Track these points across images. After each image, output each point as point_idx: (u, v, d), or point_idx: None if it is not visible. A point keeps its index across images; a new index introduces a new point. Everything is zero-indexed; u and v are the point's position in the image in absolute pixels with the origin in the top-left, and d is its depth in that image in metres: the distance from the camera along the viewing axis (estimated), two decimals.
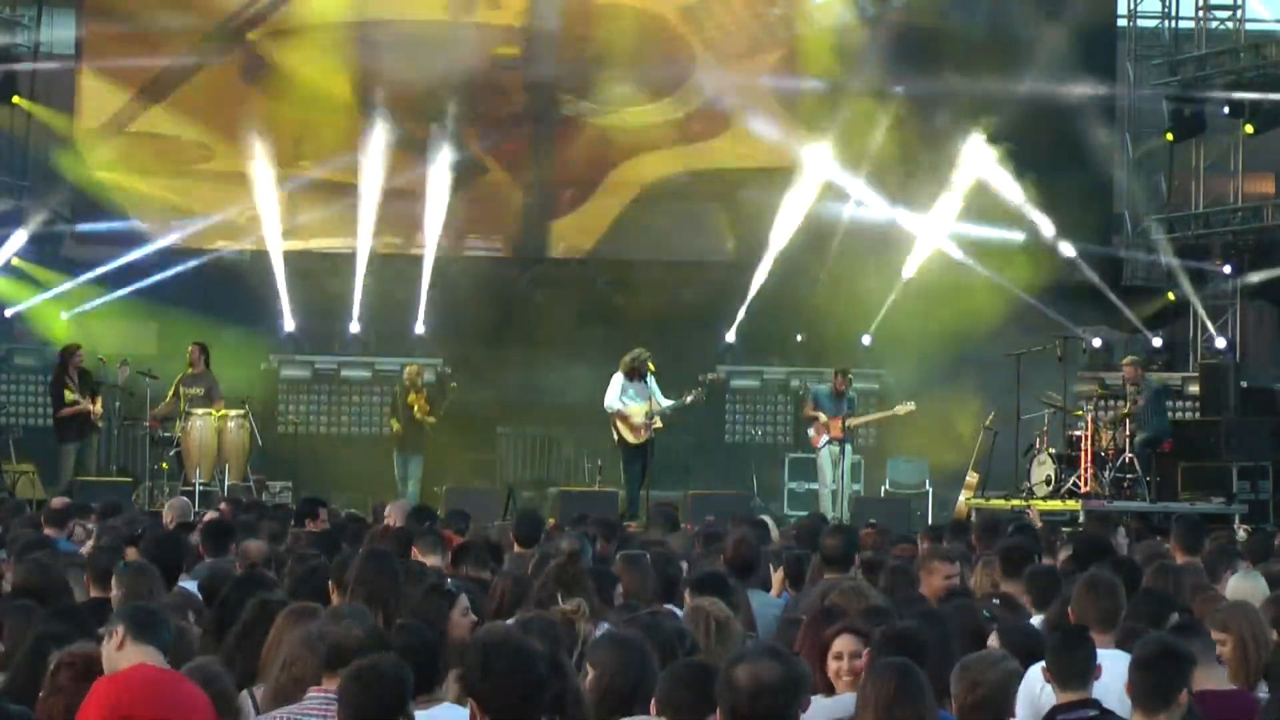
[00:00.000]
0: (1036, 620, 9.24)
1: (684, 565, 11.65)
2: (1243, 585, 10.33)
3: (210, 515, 16.03)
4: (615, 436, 23.34)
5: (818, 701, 7.34)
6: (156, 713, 7.01)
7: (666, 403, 23.26)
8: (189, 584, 10.65)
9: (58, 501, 16.11)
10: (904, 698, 6.40)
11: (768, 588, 11.69)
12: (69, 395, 23.59)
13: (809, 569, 11.52)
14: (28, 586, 9.50)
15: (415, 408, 24.33)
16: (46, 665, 7.34)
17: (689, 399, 23.51)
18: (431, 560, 11.63)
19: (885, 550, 13.38)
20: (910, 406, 24.53)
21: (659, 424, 23.17)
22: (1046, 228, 27.05)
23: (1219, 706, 7.71)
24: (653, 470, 23.29)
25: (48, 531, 13.99)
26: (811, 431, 24.33)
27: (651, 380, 23.33)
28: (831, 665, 7.69)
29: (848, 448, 24.16)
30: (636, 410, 23.14)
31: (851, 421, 24.11)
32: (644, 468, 23.19)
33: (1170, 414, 25.28)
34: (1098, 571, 8.99)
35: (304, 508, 16.37)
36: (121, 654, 7.18)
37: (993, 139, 26.50)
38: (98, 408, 23.83)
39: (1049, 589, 9.86)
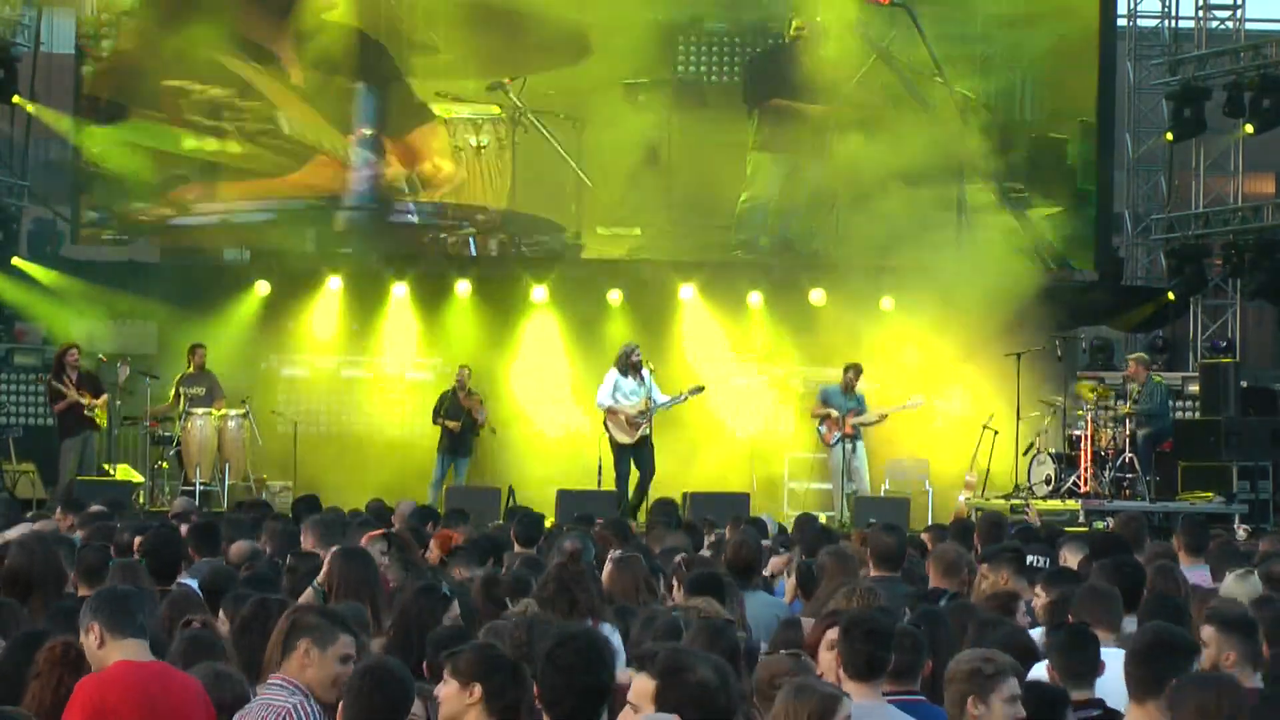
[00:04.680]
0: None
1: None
2: (1236, 587, 10.29)
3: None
4: (608, 435, 23.37)
5: None
6: (140, 710, 6.99)
7: (661, 400, 23.23)
8: (190, 580, 10.65)
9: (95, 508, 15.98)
10: None
11: (769, 588, 11.66)
12: (59, 389, 23.55)
13: (823, 573, 11.39)
14: (16, 572, 9.43)
15: (470, 410, 24.40)
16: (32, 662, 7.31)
17: (684, 397, 23.46)
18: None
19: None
20: (920, 400, 24.52)
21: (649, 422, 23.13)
22: (1047, 227, 27.07)
23: None
24: (652, 468, 23.28)
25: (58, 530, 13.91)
26: (823, 429, 24.32)
27: (649, 376, 23.30)
28: (824, 656, 7.70)
29: (859, 445, 24.17)
30: (629, 408, 23.11)
31: (858, 420, 24.11)
32: (637, 466, 23.12)
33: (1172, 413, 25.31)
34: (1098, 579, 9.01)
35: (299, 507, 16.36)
36: (103, 651, 7.15)
37: (993, 138, 26.56)
38: (101, 402, 23.80)
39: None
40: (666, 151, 27.17)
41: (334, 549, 9.72)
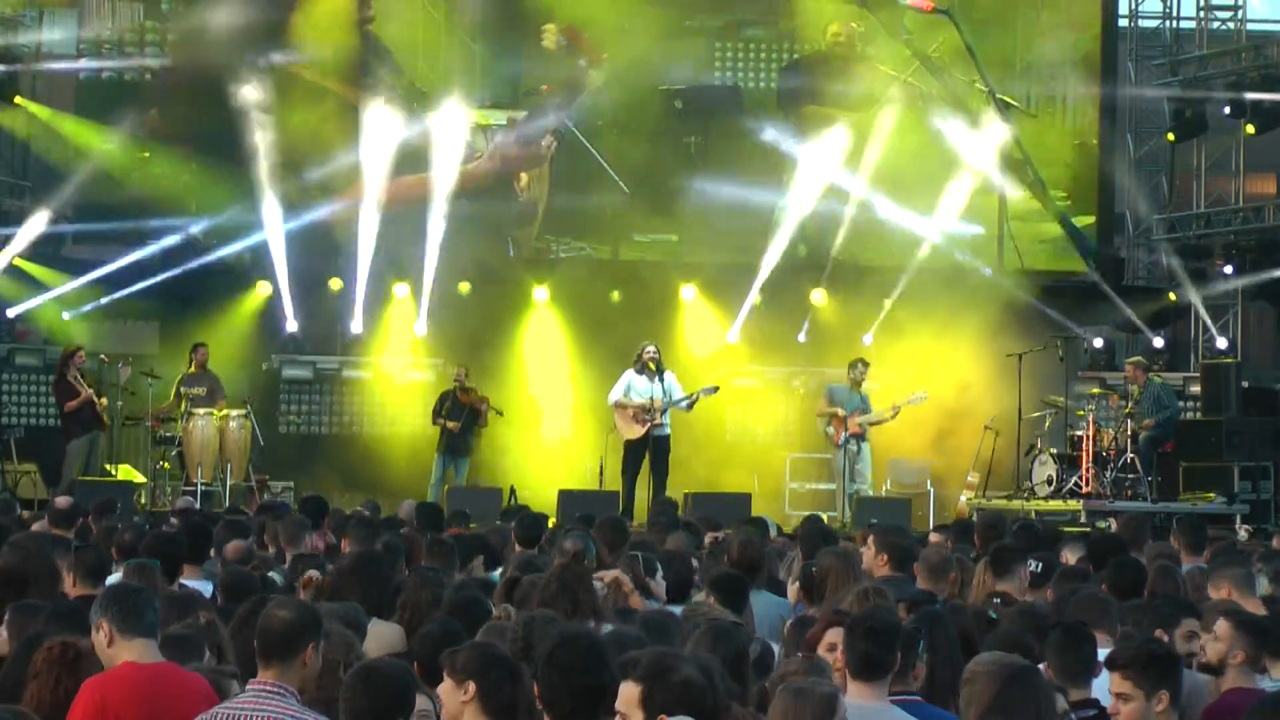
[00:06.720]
0: None
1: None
2: None
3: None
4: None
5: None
6: (140, 713, 6.99)
7: (677, 397, 23.17)
8: (201, 583, 10.64)
9: (62, 501, 16.02)
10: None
11: (771, 588, 11.63)
12: (73, 385, 23.53)
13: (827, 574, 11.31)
14: (11, 571, 9.42)
15: (471, 405, 24.41)
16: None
17: (697, 396, 23.40)
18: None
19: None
20: (924, 395, 24.47)
21: (657, 419, 23.05)
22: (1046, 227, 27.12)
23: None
24: (664, 470, 23.21)
25: (55, 532, 13.89)
26: (830, 429, 24.30)
27: (670, 377, 23.22)
28: (826, 658, 7.68)
29: (864, 445, 24.15)
30: (635, 403, 23.07)
31: (865, 418, 24.10)
32: (651, 468, 23.07)
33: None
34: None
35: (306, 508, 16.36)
36: (112, 650, 7.15)
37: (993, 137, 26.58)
38: (102, 400, 23.81)
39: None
40: (703, 158, 27.17)
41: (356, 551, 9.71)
